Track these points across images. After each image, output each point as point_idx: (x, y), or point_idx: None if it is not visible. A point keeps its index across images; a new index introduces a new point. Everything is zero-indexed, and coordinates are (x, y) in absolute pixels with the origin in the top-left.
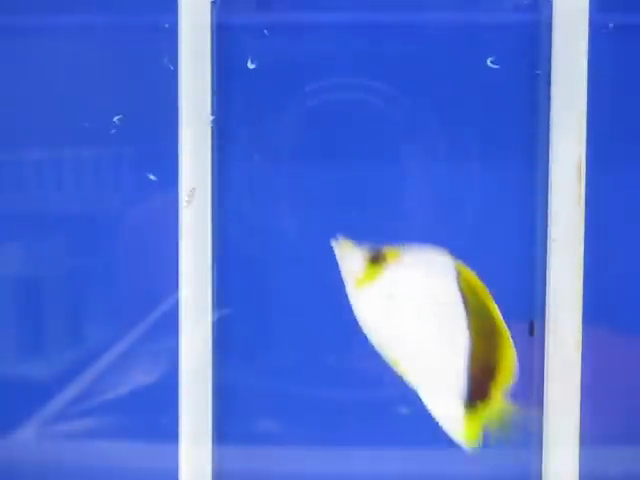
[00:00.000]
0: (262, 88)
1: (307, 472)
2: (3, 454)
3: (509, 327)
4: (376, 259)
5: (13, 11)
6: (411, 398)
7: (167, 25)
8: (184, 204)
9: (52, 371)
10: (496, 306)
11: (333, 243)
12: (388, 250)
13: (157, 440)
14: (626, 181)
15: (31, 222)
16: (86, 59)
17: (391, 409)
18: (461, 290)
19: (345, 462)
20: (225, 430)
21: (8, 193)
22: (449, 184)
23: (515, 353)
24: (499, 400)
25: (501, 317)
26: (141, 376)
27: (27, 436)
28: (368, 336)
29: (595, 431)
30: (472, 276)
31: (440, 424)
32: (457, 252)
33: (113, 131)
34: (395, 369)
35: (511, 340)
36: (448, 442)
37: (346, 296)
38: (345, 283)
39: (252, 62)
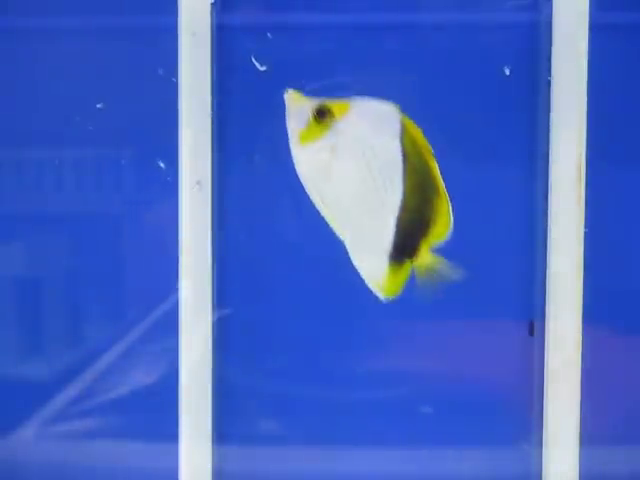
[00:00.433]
0: (262, 88)
1: (307, 472)
2: (3, 454)
3: (509, 327)
4: (322, 114)
5: (14, 12)
6: (411, 398)
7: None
8: (194, 190)
9: (52, 371)
10: (436, 165)
11: (285, 95)
12: (336, 103)
13: (157, 440)
14: (626, 181)
15: (31, 222)
16: (86, 59)
17: (391, 409)
18: (403, 145)
19: (345, 462)
20: (225, 430)
21: (8, 193)
22: (449, 184)
23: (450, 211)
24: (428, 255)
25: (440, 176)
26: (141, 376)
27: (27, 436)
28: (309, 193)
29: (595, 431)
30: (416, 131)
31: (363, 277)
32: (457, 252)
33: (98, 110)
34: (330, 225)
35: (447, 198)
36: (448, 442)
37: (346, 296)
38: (290, 138)
39: (260, 64)
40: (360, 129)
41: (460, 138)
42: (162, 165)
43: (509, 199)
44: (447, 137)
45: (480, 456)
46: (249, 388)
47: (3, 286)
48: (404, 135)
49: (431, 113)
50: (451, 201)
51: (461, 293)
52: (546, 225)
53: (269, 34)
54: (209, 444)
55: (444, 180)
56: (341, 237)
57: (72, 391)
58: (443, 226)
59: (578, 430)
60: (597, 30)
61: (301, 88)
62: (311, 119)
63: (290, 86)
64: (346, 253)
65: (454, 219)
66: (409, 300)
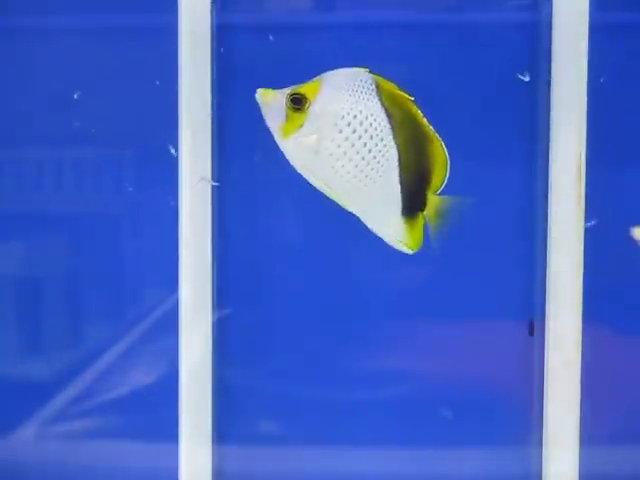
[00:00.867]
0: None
1: (307, 472)
2: (3, 454)
3: (509, 327)
4: (298, 102)
5: (13, 11)
6: (411, 398)
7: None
8: (199, 185)
9: (52, 371)
10: (419, 111)
11: (256, 96)
12: (306, 85)
13: (157, 440)
14: (626, 181)
15: (31, 222)
16: (86, 59)
17: (391, 409)
18: (383, 103)
19: (345, 462)
20: (225, 430)
21: (8, 193)
22: (449, 183)
23: (444, 150)
24: (435, 200)
25: (425, 120)
26: (141, 376)
27: (27, 436)
28: (310, 181)
29: (595, 431)
30: (390, 85)
31: (384, 239)
32: (457, 252)
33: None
34: (339, 204)
35: (438, 139)
36: (448, 442)
37: (346, 296)
38: (275, 136)
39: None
40: (337, 102)
41: (460, 138)
42: (173, 151)
43: (509, 199)
44: (447, 137)
45: (480, 456)
46: (249, 388)
47: (3, 286)
48: (381, 93)
49: (431, 113)
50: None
51: (461, 293)
52: (546, 225)
53: (271, 37)
54: (209, 444)
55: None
56: (352, 211)
57: (72, 391)
58: (441, 168)
59: (578, 430)
60: (597, 30)
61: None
62: (288, 110)
63: (289, 86)
64: (346, 254)
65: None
66: (409, 300)
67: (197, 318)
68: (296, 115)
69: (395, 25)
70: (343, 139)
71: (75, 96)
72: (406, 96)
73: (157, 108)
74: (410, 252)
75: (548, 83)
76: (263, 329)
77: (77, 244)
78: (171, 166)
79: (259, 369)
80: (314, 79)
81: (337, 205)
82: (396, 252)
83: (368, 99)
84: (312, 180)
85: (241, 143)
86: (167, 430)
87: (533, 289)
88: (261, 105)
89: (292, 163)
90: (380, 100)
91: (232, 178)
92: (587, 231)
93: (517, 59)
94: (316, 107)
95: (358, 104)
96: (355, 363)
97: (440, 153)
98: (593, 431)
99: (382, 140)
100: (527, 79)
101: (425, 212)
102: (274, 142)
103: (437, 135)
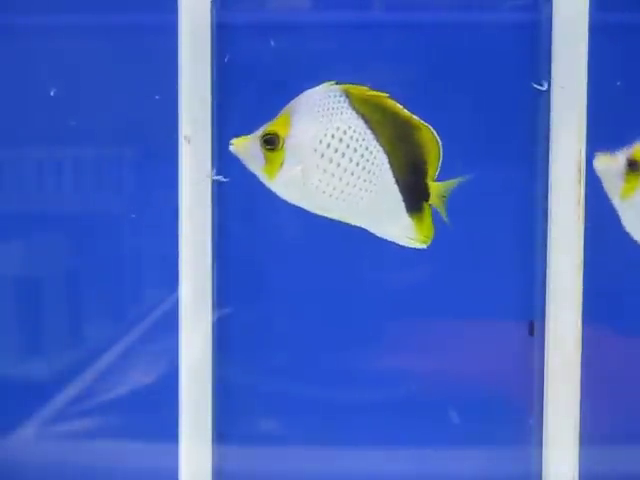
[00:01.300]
0: (262, 88)
1: (307, 472)
2: (3, 454)
3: (509, 327)
4: (271, 142)
5: (13, 10)
6: (411, 398)
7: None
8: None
9: (52, 371)
10: (396, 103)
11: (230, 147)
12: (275, 122)
13: (157, 440)
14: None
15: (31, 222)
16: (86, 58)
17: (391, 409)
18: (357, 111)
19: (345, 462)
20: (225, 430)
21: (8, 193)
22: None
23: (433, 133)
24: (436, 187)
25: (407, 112)
26: (141, 376)
27: (27, 436)
28: (313, 212)
29: (595, 431)
30: (360, 89)
31: (396, 242)
32: (457, 252)
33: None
34: (345, 222)
35: (424, 124)
36: (448, 442)
37: (346, 296)
38: (263, 181)
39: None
40: (311, 128)
41: (460, 138)
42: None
43: (509, 199)
44: (447, 137)
45: (480, 456)
46: (249, 388)
47: (3, 286)
48: (353, 102)
49: (431, 113)
50: (451, 201)
51: (461, 293)
52: (546, 225)
53: (272, 42)
54: (209, 444)
55: (443, 180)
56: (358, 224)
57: (72, 391)
58: (435, 153)
59: (578, 430)
60: (597, 30)
61: (301, 88)
62: (265, 152)
63: (289, 85)
64: (346, 253)
65: (454, 219)
66: (409, 300)
67: (197, 317)
68: (274, 155)
69: (395, 25)
70: (327, 162)
71: (52, 93)
72: (380, 95)
73: (157, 108)
74: (424, 246)
75: (548, 83)
76: (263, 329)
77: (77, 244)
78: (171, 166)
79: (259, 369)
80: (282, 111)
81: None
82: (396, 252)
83: (342, 113)
84: (314, 210)
85: None
86: (167, 430)
87: (533, 289)
88: (238, 155)
89: (286, 199)
90: (354, 109)
91: (232, 178)
92: (587, 231)
93: (517, 59)
94: (291, 140)
95: (333, 122)
96: (355, 363)
97: (430, 139)
98: (593, 431)
99: (367, 149)
100: (544, 88)
101: (430, 202)
102: None
103: (423, 122)
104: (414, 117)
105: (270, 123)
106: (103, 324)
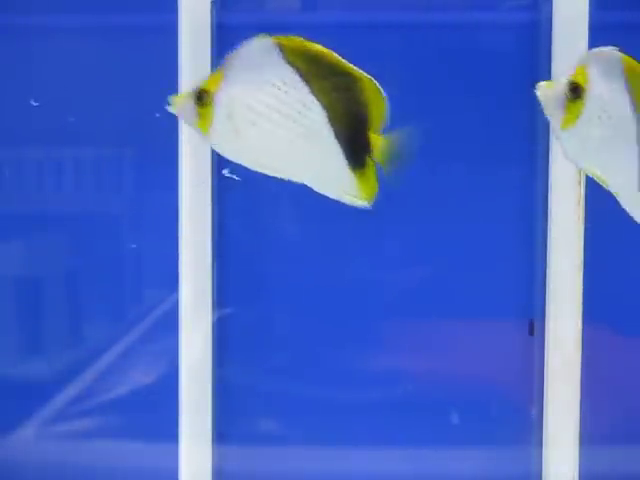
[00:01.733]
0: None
1: (307, 472)
2: (3, 454)
3: (509, 327)
4: (200, 97)
5: (13, 10)
6: (411, 398)
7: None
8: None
9: (52, 371)
10: (337, 56)
11: (168, 104)
12: (210, 78)
13: (157, 440)
14: None
15: (31, 222)
16: (86, 58)
17: (391, 409)
18: (290, 62)
19: (345, 462)
20: (225, 430)
21: (8, 193)
22: (449, 184)
23: (374, 83)
24: (379, 140)
25: (348, 64)
26: (141, 376)
27: (27, 436)
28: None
29: (595, 431)
30: (297, 41)
31: (338, 199)
32: (457, 251)
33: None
34: (282, 177)
35: (362, 73)
36: (448, 442)
37: (346, 296)
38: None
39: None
40: (242, 84)
41: (460, 138)
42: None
43: (509, 199)
44: (447, 137)
45: (480, 456)
46: (249, 388)
47: (3, 286)
48: (287, 54)
49: (431, 113)
50: (451, 201)
51: (461, 293)
52: (546, 225)
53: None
54: (209, 444)
55: (443, 180)
56: (304, 182)
57: (72, 391)
58: (379, 105)
59: (578, 430)
60: (597, 30)
61: None
62: (196, 108)
63: None
64: (346, 253)
65: (454, 219)
66: (409, 300)
67: (197, 318)
68: (204, 111)
69: (395, 25)
70: (260, 118)
71: (34, 103)
72: (316, 46)
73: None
74: (366, 205)
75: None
76: (263, 328)
77: (77, 244)
78: (171, 166)
79: (259, 369)
80: (219, 67)
81: (337, 205)
82: (396, 252)
83: (275, 66)
84: (249, 164)
85: None
86: (167, 430)
87: (533, 289)
88: (175, 112)
89: (225, 155)
90: (288, 62)
91: (232, 178)
92: (587, 231)
93: (517, 59)
94: (222, 96)
95: (265, 76)
96: (355, 363)
97: (372, 90)
98: (593, 431)
99: (302, 103)
100: None
101: (374, 157)
102: None
103: (366, 74)
104: (354, 68)
105: (204, 79)
106: (103, 324)
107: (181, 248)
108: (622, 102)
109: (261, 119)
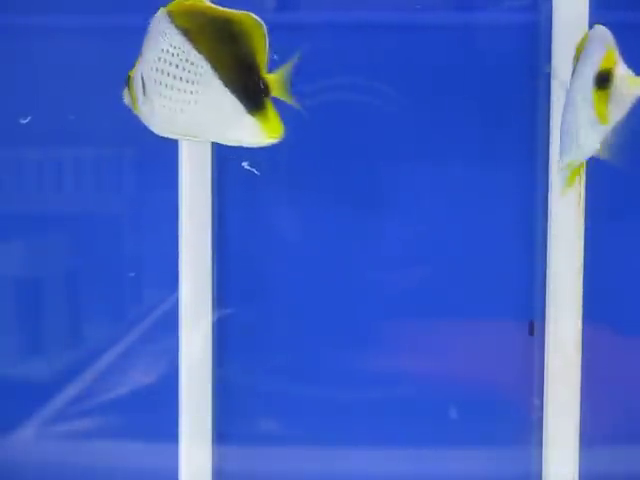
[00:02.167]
0: None
1: (307, 472)
2: (3, 454)
3: (509, 327)
4: (126, 81)
5: (13, 10)
6: (411, 398)
7: None
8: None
9: (52, 371)
10: (216, 7)
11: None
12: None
13: (157, 440)
14: (626, 181)
15: (31, 222)
16: (86, 58)
17: (391, 409)
18: (178, 27)
19: (345, 462)
20: (225, 430)
21: (8, 193)
22: (449, 184)
23: (256, 20)
24: (272, 77)
25: (227, 10)
26: (141, 376)
27: (27, 436)
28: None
29: (595, 431)
30: (179, 4)
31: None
32: (457, 251)
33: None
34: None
35: (246, 15)
36: (448, 442)
37: (346, 296)
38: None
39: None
40: (146, 58)
41: (460, 138)
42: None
43: (509, 199)
44: (447, 137)
45: (480, 456)
46: (249, 388)
47: (3, 286)
48: (174, 19)
49: (431, 113)
50: (451, 201)
51: (461, 293)
52: (546, 225)
53: (275, 56)
54: (209, 444)
55: (443, 180)
56: (212, 140)
57: (72, 391)
58: (261, 40)
59: (578, 430)
60: None
61: (300, 88)
62: (127, 90)
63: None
64: (346, 253)
65: (454, 219)
66: (409, 300)
67: (197, 318)
68: (131, 91)
69: (394, 25)
70: (161, 86)
71: (23, 121)
72: (201, 4)
73: None
74: (276, 140)
75: (548, 83)
76: (263, 328)
77: (77, 244)
78: (171, 166)
79: (259, 369)
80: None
81: (337, 205)
82: (396, 252)
83: (166, 34)
84: (168, 134)
85: None
86: (167, 430)
87: (533, 289)
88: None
89: (154, 130)
90: (175, 26)
91: (232, 178)
92: (587, 231)
93: (517, 59)
94: (136, 74)
95: (159, 45)
96: (355, 363)
97: (252, 25)
98: (593, 432)
99: (188, 61)
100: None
101: (273, 94)
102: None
103: (243, 11)
104: (233, 11)
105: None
106: (103, 324)
107: (181, 248)
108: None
109: (163, 88)
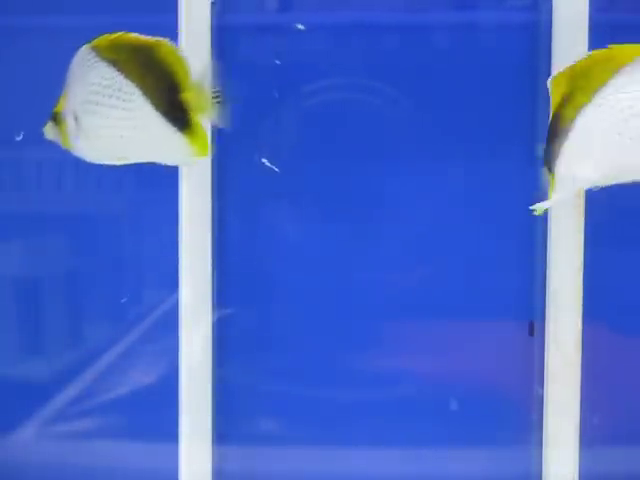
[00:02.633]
0: (262, 88)
1: (307, 472)
2: (3, 454)
3: (509, 327)
4: (53, 119)
5: (13, 10)
6: (411, 398)
7: None
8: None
9: (52, 371)
10: (138, 36)
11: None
12: (59, 100)
13: (157, 440)
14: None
15: (31, 222)
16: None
17: (391, 409)
18: (106, 60)
19: (345, 462)
20: (225, 430)
21: (8, 193)
22: (449, 184)
23: (173, 47)
24: (192, 93)
25: (146, 38)
26: (141, 376)
27: (27, 436)
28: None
29: (595, 431)
30: (104, 39)
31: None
32: (457, 251)
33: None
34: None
35: (163, 42)
36: (448, 442)
37: (346, 296)
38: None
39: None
40: (75, 94)
41: (460, 138)
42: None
43: (509, 199)
44: (447, 137)
45: (480, 456)
46: (249, 388)
47: (3, 286)
48: (100, 52)
49: (431, 113)
50: (451, 201)
51: (461, 293)
52: (546, 225)
53: (277, 61)
54: (209, 444)
55: (444, 180)
56: (150, 161)
57: (72, 391)
58: (178, 62)
59: (578, 430)
60: (597, 30)
61: (301, 88)
62: (57, 128)
63: (288, 86)
64: (346, 254)
65: (454, 219)
66: (409, 300)
67: (197, 318)
68: (61, 128)
69: (394, 26)
70: (96, 117)
71: (18, 138)
72: (118, 34)
73: None
74: (202, 157)
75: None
76: (263, 329)
77: (77, 244)
78: (171, 166)
79: (259, 369)
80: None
81: (337, 205)
82: (396, 252)
83: (94, 67)
84: (109, 161)
85: (241, 143)
86: (167, 430)
87: (533, 289)
88: (49, 138)
89: (89, 160)
90: (103, 59)
91: (232, 178)
92: (587, 231)
93: (517, 59)
94: (68, 110)
95: (89, 79)
96: (355, 363)
97: (169, 51)
98: (593, 432)
99: (120, 90)
100: None
101: (197, 112)
102: (274, 142)
103: (160, 38)
104: (151, 39)
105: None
106: (103, 324)
107: (181, 248)
108: None
109: (99, 119)
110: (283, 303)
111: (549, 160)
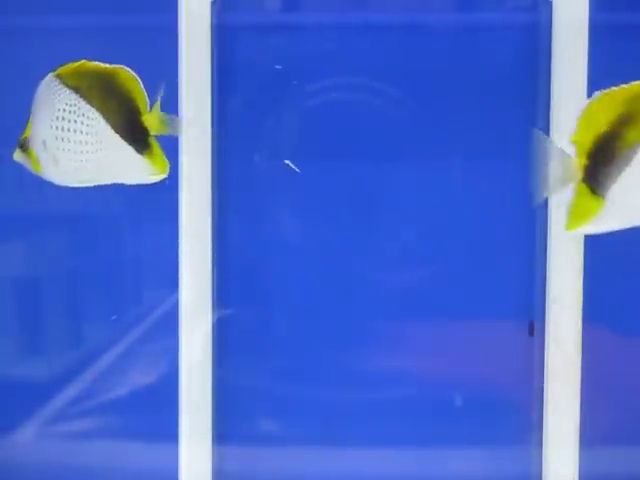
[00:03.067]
0: (262, 88)
1: (307, 472)
2: (3, 454)
3: (509, 327)
4: (20, 145)
5: (13, 11)
6: (411, 398)
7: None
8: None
9: (52, 371)
10: (98, 64)
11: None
12: (26, 127)
13: (157, 440)
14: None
15: (31, 222)
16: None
17: (391, 409)
18: (70, 87)
19: (345, 462)
20: (225, 430)
21: (8, 193)
22: (449, 184)
23: (132, 75)
24: (149, 118)
25: (106, 65)
26: (141, 376)
27: (27, 436)
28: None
29: (595, 431)
30: (68, 67)
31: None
32: (457, 251)
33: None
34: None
35: (122, 68)
36: (448, 442)
37: (346, 296)
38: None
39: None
40: (41, 121)
41: (460, 138)
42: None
43: (509, 199)
44: (447, 137)
45: (480, 456)
46: (249, 388)
47: (3, 286)
48: (64, 80)
49: (431, 113)
50: (451, 201)
51: (461, 293)
52: (546, 225)
53: (278, 66)
54: (209, 444)
55: (444, 180)
56: (113, 182)
57: (72, 391)
58: (135, 87)
59: (578, 430)
60: (597, 30)
61: (301, 88)
62: (25, 155)
63: (289, 85)
64: (346, 254)
65: (454, 219)
66: (409, 300)
67: (197, 318)
68: (29, 154)
69: (395, 26)
70: (63, 142)
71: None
72: (80, 63)
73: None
74: (162, 176)
75: (548, 83)
76: (263, 329)
77: (77, 244)
78: (172, 165)
79: (259, 369)
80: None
81: (337, 205)
82: (396, 252)
83: (59, 95)
84: (76, 184)
85: (241, 143)
86: (167, 430)
87: (533, 289)
88: (21, 163)
89: (62, 184)
90: (67, 86)
91: (232, 178)
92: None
93: (517, 59)
94: (35, 137)
95: (54, 106)
96: (355, 363)
97: (128, 78)
98: (593, 431)
99: (84, 115)
100: None
101: (153, 133)
102: (274, 142)
103: (118, 66)
104: (110, 67)
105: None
106: (103, 324)
107: (181, 248)
108: None
109: (66, 143)
110: (283, 303)
111: (599, 182)
